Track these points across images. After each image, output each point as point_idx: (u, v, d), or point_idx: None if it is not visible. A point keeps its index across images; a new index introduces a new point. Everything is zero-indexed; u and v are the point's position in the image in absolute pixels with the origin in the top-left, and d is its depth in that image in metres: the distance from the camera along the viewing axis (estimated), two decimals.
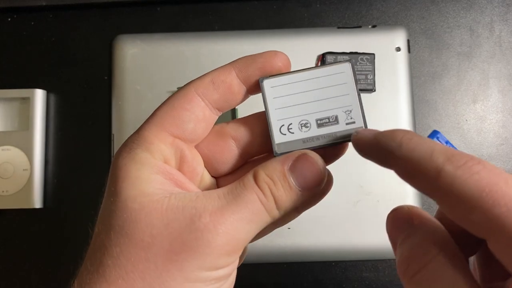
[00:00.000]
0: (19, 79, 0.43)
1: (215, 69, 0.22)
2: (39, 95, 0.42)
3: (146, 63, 0.41)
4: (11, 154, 0.41)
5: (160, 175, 0.20)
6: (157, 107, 0.21)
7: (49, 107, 0.43)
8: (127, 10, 0.44)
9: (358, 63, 0.40)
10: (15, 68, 0.44)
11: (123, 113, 0.40)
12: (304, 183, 0.20)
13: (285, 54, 0.23)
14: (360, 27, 0.42)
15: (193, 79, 0.22)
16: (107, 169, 0.42)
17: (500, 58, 0.43)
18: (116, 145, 0.40)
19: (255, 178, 0.19)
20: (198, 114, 0.21)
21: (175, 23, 0.44)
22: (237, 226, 0.18)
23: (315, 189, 0.21)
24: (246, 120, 0.23)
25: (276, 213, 0.20)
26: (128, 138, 0.21)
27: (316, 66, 0.23)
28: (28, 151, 0.41)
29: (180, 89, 0.21)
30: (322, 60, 0.40)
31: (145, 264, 0.18)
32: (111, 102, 0.42)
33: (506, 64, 0.43)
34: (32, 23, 0.44)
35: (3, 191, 0.41)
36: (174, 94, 0.21)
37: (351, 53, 0.40)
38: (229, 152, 0.23)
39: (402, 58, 0.41)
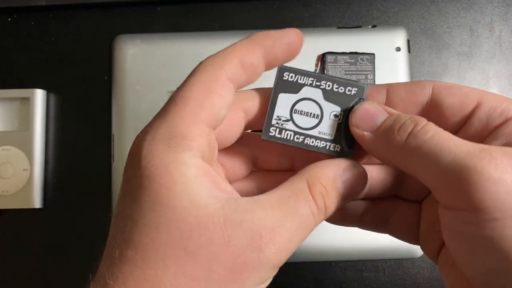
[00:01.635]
0: (19, 79, 0.43)
1: (238, 45, 0.21)
2: (39, 95, 0.42)
3: (146, 63, 0.41)
4: (11, 154, 0.41)
5: (205, 178, 0.18)
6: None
7: (49, 107, 0.43)
8: (127, 10, 0.44)
9: (358, 63, 0.40)
10: (15, 68, 0.44)
11: (123, 113, 0.40)
12: (352, 192, 0.20)
13: (301, 33, 0.22)
14: (360, 27, 0.42)
15: (214, 54, 0.20)
16: (107, 169, 0.41)
17: (500, 58, 0.43)
18: (116, 145, 0.40)
19: (310, 188, 0.19)
20: (229, 100, 0.20)
21: (175, 23, 0.44)
22: (291, 240, 0.19)
23: (357, 196, 0.21)
24: (257, 94, 0.23)
25: (321, 221, 0.20)
26: (157, 128, 0.19)
27: (334, 76, 0.23)
28: (28, 151, 0.41)
29: (206, 67, 0.20)
30: (322, 60, 0.40)
31: (206, 284, 0.17)
32: (111, 102, 0.42)
33: (506, 64, 0.43)
34: (32, 23, 0.44)
35: (3, 191, 0.41)
36: (200, 75, 0.20)
37: (351, 53, 0.40)
38: (238, 125, 0.22)
39: (402, 58, 0.41)
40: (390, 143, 0.20)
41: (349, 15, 0.44)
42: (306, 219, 0.19)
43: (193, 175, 0.18)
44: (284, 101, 0.23)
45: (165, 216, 0.17)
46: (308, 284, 0.41)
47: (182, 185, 0.17)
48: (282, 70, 0.23)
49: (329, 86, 0.22)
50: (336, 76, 0.24)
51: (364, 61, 0.40)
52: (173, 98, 0.20)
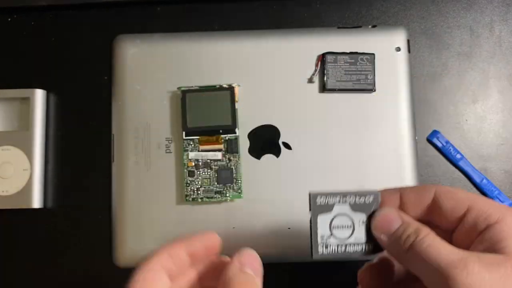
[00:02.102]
0: (19, 79, 0.43)
1: (167, 244, 0.27)
2: (39, 95, 0.42)
3: (146, 63, 0.41)
4: (11, 154, 0.41)
5: None
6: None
7: (49, 107, 0.43)
8: (127, 10, 0.44)
9: (358, 63, 0.40)
10: (15, 68, 0.44)
11: (123, 113, 0.40)
12: None
13: (218, 238, 0.28)
14: (360, 27, 0.42)
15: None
16: (107, 169, 0.42)
17: (500, 58, 0.43)
18: (116, 145, 0.40)
19: None
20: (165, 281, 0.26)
21: (175, 23, 0.44)
22: None
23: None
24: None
25: None
26: None
27: (355, 191, 0.28)
28: (28, 151, 0.41)
29: (144, 265, 0.25)
30: (322, 60, 0.40)
31: None
32: (111, 102, 0.42)
33: (506, 64, 0.43)
34: (32, 23, 0.44)
35: (3, 191, 0.41)
36: (139, 272, 0.25)
37: (351, 53, 0.40)
38: None
39: (402, 58, 0.41)
40: (399, 248, 0.25)
41: (349, 15, 0.44)
42: None
43: None
44: (323, 221, 0.27)
45: None
46: (308, 284, 0.41)
47: None
48: (313, 196, 0.27)
49: (352, 199, 0.27)
50: (356, 190, 0.28)
51: (364, 61, 0.40)
52: None
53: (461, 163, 0.42)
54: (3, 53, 0.44)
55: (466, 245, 0.25)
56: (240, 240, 0.39)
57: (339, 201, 0.27)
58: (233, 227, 0.39)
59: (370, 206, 0.27)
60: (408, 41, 0.41)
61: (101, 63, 0.43)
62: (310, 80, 0.40)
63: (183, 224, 0.39)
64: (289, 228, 0.39)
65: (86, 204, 0.42)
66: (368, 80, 0.40)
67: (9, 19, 0.44)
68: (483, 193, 0.42)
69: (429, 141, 0.42)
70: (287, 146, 0.40)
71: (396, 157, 0.40)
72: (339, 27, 0.42)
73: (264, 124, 0.40)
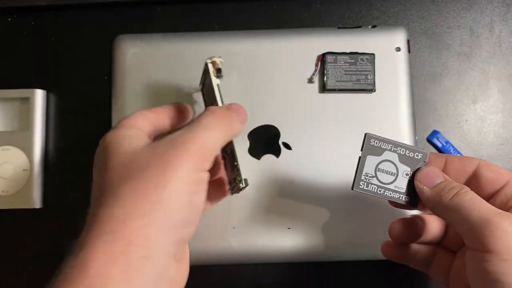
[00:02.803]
0: (19, 79, 0.43)
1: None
2: (39, 95, 0.42)
3: (146, 63, 0.41)
4: (11, 154, 0.41)
5: (139, 137, 0.30)
6: (156, 106, 0.27)
7: (49, 107, 0.43)
8: (127, 10, 0.44)
9: (358, 63, 0.40)
10: (15, 68, 0.44)
11: (123, 113, 0.40)
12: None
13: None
14: (360, 27, 0.42)
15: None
16: None
17: (500, 58, 0.43)
18: None
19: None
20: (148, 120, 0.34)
21: (175, 23, 0.44)
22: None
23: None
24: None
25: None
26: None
27: (407, 144, 0.30)
28: (28, 151, 0.41)
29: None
30: (322, 60, 0.40)
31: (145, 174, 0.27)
32: (111, 102, 0.42)
33: (506, 64, 0.43)
34: (32, 23, 0.44)
35: (3, 191, 0.41)
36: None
37: (351, 53, 0.40)
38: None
39: (402, 58, 0.41)
40: (440, 198, 0.27)
41: (349, 15, 0.44)
42: None
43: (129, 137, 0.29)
44: (371, 162, 0.30)
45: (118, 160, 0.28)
46: (308, 284, 0.41)
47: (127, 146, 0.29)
48: (369, 137, 0.30)
49: (402, 151, 0.30)
50: (408, 144, 0.30)
51: (364, 61, 0.40)
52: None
53: None
54: (3, 53, 0.44)
55: None
56: (240, 240, 0.39)
57: (390, 149, 0.30)
58: (233, 227, 0.39)
59: (417, 162, 0.30)
60: (408, 41, 0.41)
61: (101, 63, 0.43)
62: (310, 80, 0.40)
63: None
64: (289, 228, 0.39)
65: (86, 204, 0.42)
66: (368, 80, 0.40)
67: (9, 19, 0.44)
68: None
69: (429, 141, 0.42)
70: (287, 146, 0.40)
71: None
72: (339, 27, 0.42)
73: (264, 124, 0.40)
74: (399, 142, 0.30)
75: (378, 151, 0.30)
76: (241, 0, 0.44)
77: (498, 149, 0.43)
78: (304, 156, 0.40)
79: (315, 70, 0.40)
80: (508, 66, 0.43)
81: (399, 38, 0.41)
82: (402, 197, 0.30)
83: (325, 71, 0.40)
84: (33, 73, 0.44)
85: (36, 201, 0.41)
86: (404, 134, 0.40)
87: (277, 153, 0.40)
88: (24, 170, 0.41)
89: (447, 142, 0.42)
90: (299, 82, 0.40)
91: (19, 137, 0.41)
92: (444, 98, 0.43)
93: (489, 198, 0.29)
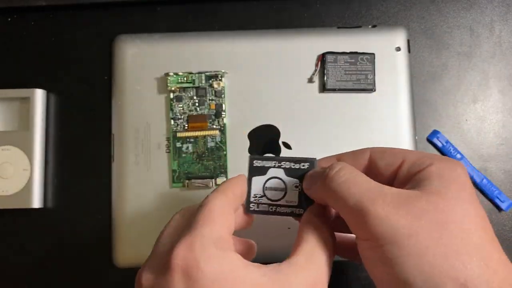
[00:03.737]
0: (19, 79, 0.43)
1: (228, 182, 0.29)
2: (39, 95, 0.42)
3: (146, 63, 0.41)
4: (11, 154, 0.41)
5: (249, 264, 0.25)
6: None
7: (49, 107, 0.43)
8: (127, 10, 0.44)
9: (358, 63, 0.40)
10: (15, 68, 0.44)
11: (123, 113, 0.40)
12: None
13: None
14: (360, 27, 0.42)
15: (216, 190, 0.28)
16: (107, 169, 0.42)
17: (500, 58, 0.43)
18: (116, 145, 0.40)
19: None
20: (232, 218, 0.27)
21: (175, 23, 0.44)
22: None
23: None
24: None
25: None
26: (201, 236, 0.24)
27: (291, 157, 0.30)
28: (28, 151, 0.41)
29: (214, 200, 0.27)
30: (322, 59, 0.40)
31: None
32: (111, 102, 0.42)
33: (506, 64, 0.43)
34: (32, 23, 0.44)
35: (3, 191, 0.41)
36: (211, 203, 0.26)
37: (351, 53, 0.40)
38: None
39: (402, 58, 0.41)
40: (316, 187, 0.27)
41: (349, 15, 0.44)
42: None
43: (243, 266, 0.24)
44: (257, 182, 0.29)
45: None
46: None
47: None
48: (251, 159, 0.30)
49: (287, 165, 0.29)
50: (292, 156, 0.30)
51: (364, 61, 0.40)
52: (196, 218, 0.25)
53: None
54: (3, 53, 0.44)
55: None
56: None
57: (275, 166, 0.29)
58: None
59: (305, 172, 0.29)
60: (408, 41, 0.41)
61: (101, 63, 0.43)
62: (310, 80, 0.40)
63: None
64: (289, 228, 0.39)
65: (86, 204, 0.42)
66: (368, 80, 0.40)
67: (9, 19, 0.44)
68: (483, 193, 0.42)
69: (429, 141, 0.42)
70: (287, 146, 0.40)
71: None
72: (339, 27, 0.42)
73: (264, 124, 0.40)
74: (283, 157, 0.29)
75: (263, 170, 0.29)
76: (241, 0, 0.44)
77: (498, 149, 0.43)
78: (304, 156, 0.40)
79: (315, 70, 0.40)
80: (508, 66, 0.43)
81: (399, 38, 0.41)
82: (295, 210, 0.29)
83: (325, 71, 0.40)
84: (33, 73, 0.44)
85: (36, 201, 0.41)
86: (404, 134, 0.40)
87: (277, 153, 0.40)
88: (24, 170, 0.41)
89: (447, 142, 0.42)
90: (299, 82, 0.40)
91: (19, 137, 0.41)
92: (444, 98, 0.43)
93: (392, 180, 0.27)
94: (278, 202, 0.29)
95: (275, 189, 0.29)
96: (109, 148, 0.41)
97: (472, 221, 0.23)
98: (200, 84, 0.40)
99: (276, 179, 0.29)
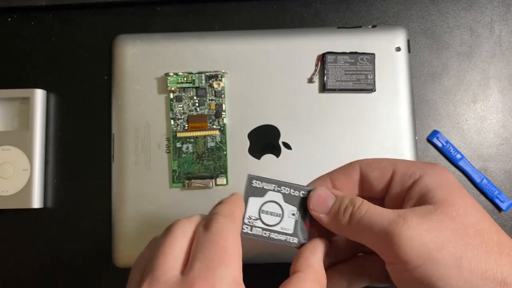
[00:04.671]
0: (19, 79, 0.43)
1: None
2: (39, 95, 0.42)
3: (146, 63, 0.41)
4: (11, 154, 0.41)
5: None
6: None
7: (49, 107, 0.43)
8: (127, 10, 0.44)
9: (358, 63, 0.40)
10: (15, 68, 0.44)
11: (123, 113, 0.40)
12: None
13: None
14: (360, 27, 0.42)
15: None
16: (107, 169, 0.42)
17: (500, 58, 0.43)
18: (116, 145, 0.40)
19: None
20: None
21: (175, 23, 0.44)
22: None
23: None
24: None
25: None
26: None
27: (291, 183, 0.29)
28: (28, 151, 0.41)
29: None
30: (322, 60, 0.40)
31: None
32: (111, 102, 0.42)
33: (506, 64, 0.43)
34: (32, 23, 0.44)
35: (3, 191, 0.41)
36: None
37: (351, 53, 0.40)
38: None
39: (402, 58, 0.41)
40: (340, 222, 0.26)
41: (349, 15, 0.44)
42: None
43: None
44: (254, 204, 0.28)
45: None
46: None
47: None
48: (250, 178, 0.28)
49: (287, 191, 0.28)
50: (292, 183, 0.28)
51: (364, 61, 0.40)
52: None
53: (461, 163, 0.42)
54: (3, 53, 0.44)
55: (398, 207, 0.26)
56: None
57: (274, 189, 0.28)
58: None
59: (303, 201, 0.28)
60: (408, 41, 0.41)
61: (101, 63, 0.43)
62: (310, 80, 0.40)
63: None
64: None
65: (86, 204, 0.42)
66: (368, 80, 0.40)
67: (9, 19, 0.44)
68: (483, 193, 0.42)
69: (429, 141, 0.42)
70: (287, 146, 0.40)
71: (396, 157, 0.39)
72: (339, 27, 0.42)
73: (264, 124, 0.40)
74: (283, 182, 0.28)
75: (261, 192, 0.28)
76: (241, 0, 0.44)
77: (498, 149, 0.43)
78: (304, 156, 0.40)
79: (315, 70, 0.40)
80: (508, 66, 0.43)
81: (399, 38, 0.41)
82: (290, 238, 0.28)
83: (325, 71, 0.40)
84: (33, 73, 0.44)
85: (36, 201, 0.41)
86: (404, 134, 0.40)
87: (277, 153, 0.40)
88: (24, 170, 0.41)
89: (447, 142, 0.42)
90: (299, 82, 0.40)
91: (19, 137, 0.41)
92: (444, 98, 0.43)
93: (385, 194, 0.28)
94: (273, 228, 0.28)
95: (271, 213, 0.28)
96: (109, 148, 0.41)
97: (481, 219, 0.24)
98: (200, 84, 0.40)
99: (274, 203, 0.28)
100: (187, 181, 0.39)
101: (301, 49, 0.41)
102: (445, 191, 0.25)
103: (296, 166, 0.40)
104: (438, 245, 0.23)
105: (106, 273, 0.41)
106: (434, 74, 0.43)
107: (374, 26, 0.42)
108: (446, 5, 0.44)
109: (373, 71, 0.40)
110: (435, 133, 0.42)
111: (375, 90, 0.40)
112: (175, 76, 0.40)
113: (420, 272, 0.23)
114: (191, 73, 0.40)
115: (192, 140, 0.40)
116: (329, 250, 0.28)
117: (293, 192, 0.28)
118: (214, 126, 0.40)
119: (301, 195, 0.28)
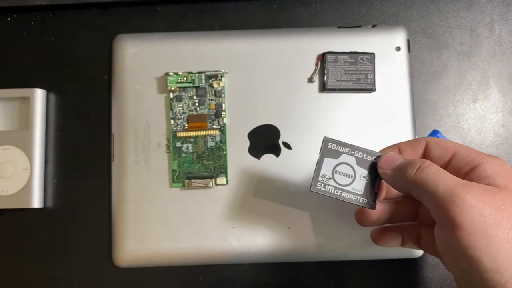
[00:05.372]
0: (19, 79, 0.43)
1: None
2: (39, 95, 0.42)
3: (146, 63, 0.41)
4: (11, 154, 0.41)
5: None
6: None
7: (49, 107, 0.43)
8: (127, 10, 0.44)
9: (358, 63, 0.40)
10: (15, 68, 0.44)
11: (123, 113, 0.40)
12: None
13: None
14: (360, 26, 0.42)
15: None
16: (107, 169, 0.42)
17: (500, 57, 0.43)
18: (116, 145, 0.40)
19: None
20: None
21: (175, 23, 0.44)
22: None
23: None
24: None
25: None
26: None
27: (364, 148, 0.31)
28: (28, 151, 0.41)
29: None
30: (322, 59, 0.40)
31: None
32: (111, 102, 0.42)
33: (506, 64, 0.43)
34: (32, 23, 0.44)
35: (3, 191, 0.41)
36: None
37: (351, 52, 0.40)
38: None
39: (402, 58, 0.41)
40: (405, 175, 0.28)
41: (349, 15, 0.44)
42: None
43: None
44: (328, 164, 0.31)
45: None
46: (308, 284, 0.41)
47: None
48: (326, 140, 0.31)
49: (360, 155, 0.31)
50: (365, 148, 0.31)
51: (364, 60, 0.40)
52: None
53: None
54: (3, 53, 0.44)
55: None
56: (240, 240, 0.39)
57: (348, 152, 0.31)
58: (233, 227, 0.39)
59: (374, 165, 0.31)
60: (408, 40, 0.41)
61: (101, 63, 0.43)
62: (310, 80, 0.40)
63: (184, 224, 0.39)
64: (289, 228, 0.39)
65: (86, 204, 0.42)
66: (368, 80, 0.40)
67: (9, 19, 0.44)
68: None
69: None
70: (287, 146, 0.40)
71: None
72: (339, 27, 0.42)
73: (264, 124, 0.40)
74: (356, 146, 0.31)
75: (336, 154, 0.31)
76: (241, 0, 0.44)
77: (498, 148, 0.43)
78: (304, 156, 0.40)
79: (315, 70, 0.40)
80: (508, 66, 0.43)
81: (399, 37, 0.41)
82: (360, 199, 0.31)
83: (325, 70, 0.40)
84: (33, 73, 0.44)
85: (36, 201, 0.41)
86: (404, 134, 0.40)
87: (277, 153, 0.40)
88: (24, 170, 0.41)
89: None
90: (299, 81, 0.40)
91: (19, 137, 0.41)
92: (444, 97, 0.43)
93: None
94: (345, 188, 0.30)
95: (344, 174, 0.30)
96: (109, 148, 0.41)
97: None
98: (200, 84, 0.40)
99: (347, 165, 0.30)
100: (187, 180, 0.39)
101: (301, 48, 0.41)
102: (506, 180, 0.27)
103: (296, 166, 0.40)
104: (495, 222, 0.24)
105: (106, 273, 0.41)
106: (434, 74, 0.43)
107: (374, 26, 0.42)
108: (446, 5, 0.44)
109: (373, 70, 0.40)
110: (435, 132, 0.42)
111: (375, 90, 0.40)
112: (175, 75, 0.40)
113: (469, 242, 0.24)
114: (191, 73, 0.40)
115: (192, 139, 0.40)
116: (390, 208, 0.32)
117: (366, 157, 0.31)
118: (214, 126, 0.40)
119: (372, 160, 0.31)
